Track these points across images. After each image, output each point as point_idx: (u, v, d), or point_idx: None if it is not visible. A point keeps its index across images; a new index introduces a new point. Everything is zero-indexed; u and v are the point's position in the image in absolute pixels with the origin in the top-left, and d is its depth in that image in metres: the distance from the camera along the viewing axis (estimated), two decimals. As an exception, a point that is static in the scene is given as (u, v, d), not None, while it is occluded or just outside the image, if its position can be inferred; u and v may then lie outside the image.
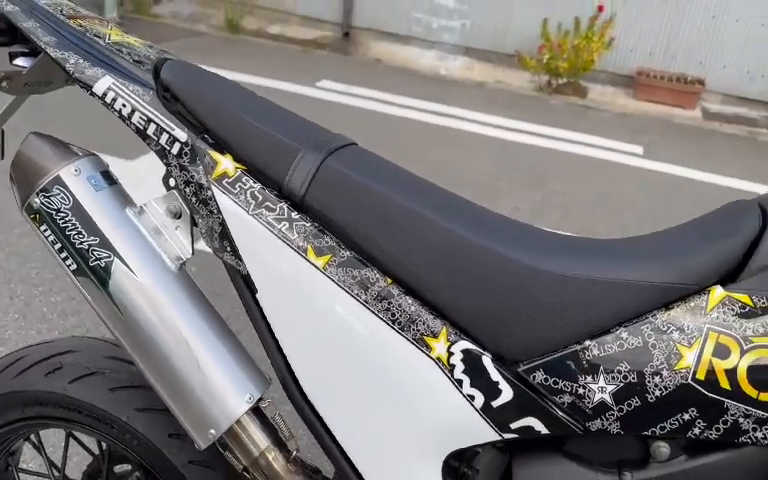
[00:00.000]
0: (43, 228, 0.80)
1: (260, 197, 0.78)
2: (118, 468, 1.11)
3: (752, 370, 0.66)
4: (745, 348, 0.66)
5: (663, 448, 0.72)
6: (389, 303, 0.76)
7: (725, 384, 0.67)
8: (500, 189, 3.88)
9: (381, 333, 0.76)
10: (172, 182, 0.82)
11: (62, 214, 0.78)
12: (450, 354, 0.75)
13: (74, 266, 0.79)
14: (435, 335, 0.75)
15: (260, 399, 0.82)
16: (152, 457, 0.96)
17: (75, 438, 1.12)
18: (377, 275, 0.76)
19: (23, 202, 0.81)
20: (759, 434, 0.66)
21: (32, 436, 1.11)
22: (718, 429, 0.68)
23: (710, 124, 5.92)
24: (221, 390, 0.79)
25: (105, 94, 0.80)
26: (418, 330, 0.75)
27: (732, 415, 0.67)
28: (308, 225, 0.77)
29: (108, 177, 0.84)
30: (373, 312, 0.76)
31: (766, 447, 0.67)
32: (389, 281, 0.76)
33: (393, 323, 0.75)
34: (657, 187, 4.24)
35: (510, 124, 5.09)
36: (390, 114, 4.95)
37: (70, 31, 0.84)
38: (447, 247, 0.76)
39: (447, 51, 6.76)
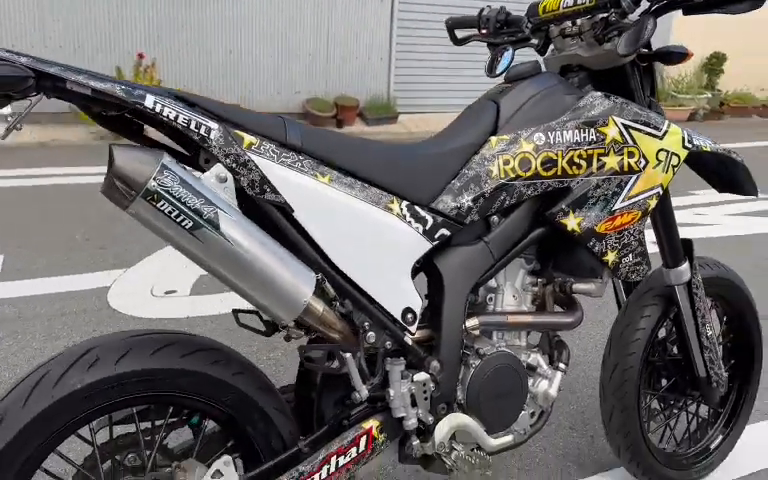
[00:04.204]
0: (161, 203, 1.03)
1: (279, 151, 1.20)
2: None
3: (519, 163, 1.46)
4: (515, 156, 1.46)
5: (495, 218, 1.48)
6: (366, 193, 1.30)
7: (512, 175, 1.45)
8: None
9: (367, 210, 1.29)
10: (207, 160, 1.15)
11: (176, 188, 1.04)
12: (401, 209, 1.34)
13: (190, 224, 1.06)
14: (392, 202, 1.33)
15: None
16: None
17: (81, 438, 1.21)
18: (356, 180, 1.29)
19: (137, 192, 1.02)
20: (529, 191, 1.47)
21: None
22: (505, 201, 1.46)
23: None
24: (301, 273, 1.18)
25: (154, 106, 1.07)
26: (383, 203, 1.32)
27: (518, 189, 1.46)
28: (312, 161, 1.24)
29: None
30: (361, 199, 1.28)
31: (534, 198, 1.48)
32: (362, 181, 1.30)
33: (371, 203, 1.30)
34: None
35: (94, 170, 5.25)
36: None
37: (93, 74, 1.05)
38: (387, 156, 1.34)
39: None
